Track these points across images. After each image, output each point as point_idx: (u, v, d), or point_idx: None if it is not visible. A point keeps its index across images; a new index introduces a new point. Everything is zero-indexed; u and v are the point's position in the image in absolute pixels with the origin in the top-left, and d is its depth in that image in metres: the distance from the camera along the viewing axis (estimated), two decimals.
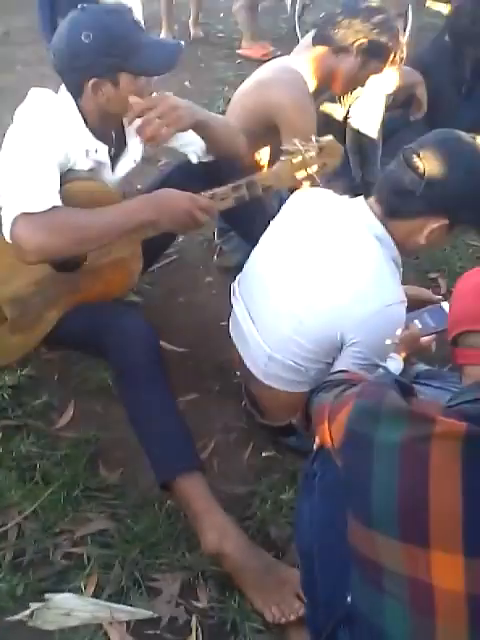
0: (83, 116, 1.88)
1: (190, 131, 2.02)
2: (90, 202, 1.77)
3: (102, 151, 1.94)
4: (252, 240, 2.01)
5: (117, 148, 2.03)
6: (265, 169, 1.96)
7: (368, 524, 1.12)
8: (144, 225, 1.79)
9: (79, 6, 1.81)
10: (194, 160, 2.13)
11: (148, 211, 1.77)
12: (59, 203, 1.70)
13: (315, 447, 1.36)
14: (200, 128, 1.98)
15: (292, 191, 2.05)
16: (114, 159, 2.03)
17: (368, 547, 1.13)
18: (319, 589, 1.29)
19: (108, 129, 1.97)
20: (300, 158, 1.89)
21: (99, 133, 1.92)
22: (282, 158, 1.91)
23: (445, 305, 1.99)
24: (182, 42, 1.93)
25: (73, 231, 1.70)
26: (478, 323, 1.19)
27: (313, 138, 1.92)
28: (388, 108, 2.94)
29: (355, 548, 1.16)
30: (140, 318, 1.95)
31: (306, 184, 1.96)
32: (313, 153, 1.90)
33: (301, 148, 1.89)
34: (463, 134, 1.65)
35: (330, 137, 1.96)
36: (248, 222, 2.15)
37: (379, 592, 1.12)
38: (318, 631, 1.28)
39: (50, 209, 1.66)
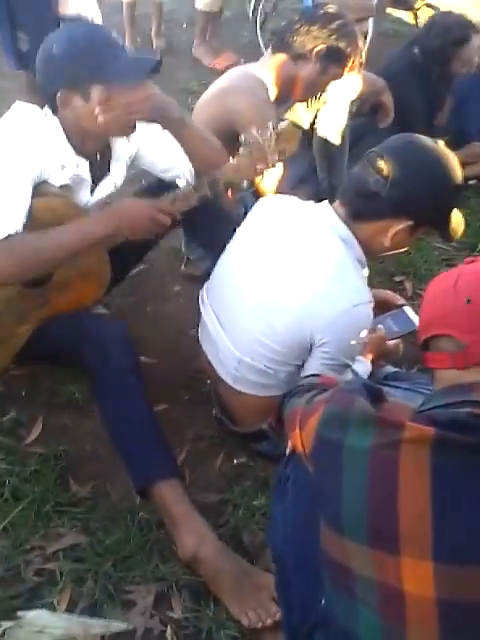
0: (65, 130, 1.84)
1: (172, 155, 2.02)
2: (52, 219, 1.77)
3: (83, 166, 1.91)
4: (215, 250, 1.99)
5: (101, 171, 2.00)
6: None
7: (339, 530, 1.11)
8: (103, 239, 1.78)
9: (61, 25, 1.81)
10: (182, 185, 2.07)
11: (105, 225, 1.76)
12: (15, 230, 1.69)
13: (288, 451, 1.36)
14: (172, 125, 1.93)
15: (257, 197, 2.05)
16: (95, 181, 1.99)
17: (340, 553, 1.12)
18: (293, 592, 1.28)
19: (91, 146, 1.91)
20: (258, 148, 1.86)
21: (81, 149, 1.88)
22: (240, 150, 1.88)
23: (408, 309, 2.01)
24: (159, 58, 1.89)
25: (24, 258, 1.70)
26: (448, 327, 1.18)
27: (270, 125, 1.89)
28: (354, 115, 2.96)
29: (327, 553, 1.16)
30: (116, 325, 1.95)
31: (267, 172, 1.94)
32: (271, 141, 1.87)
33: (258, 137, 1.86)
34: (425, 137, 1.67)
35: (287, 122, 1.95)
36: (210, 232, 2.13)
37: (351, 598, 1.11)
38: (293, 634, 1.27)
39: (4, 239, 1.67)
